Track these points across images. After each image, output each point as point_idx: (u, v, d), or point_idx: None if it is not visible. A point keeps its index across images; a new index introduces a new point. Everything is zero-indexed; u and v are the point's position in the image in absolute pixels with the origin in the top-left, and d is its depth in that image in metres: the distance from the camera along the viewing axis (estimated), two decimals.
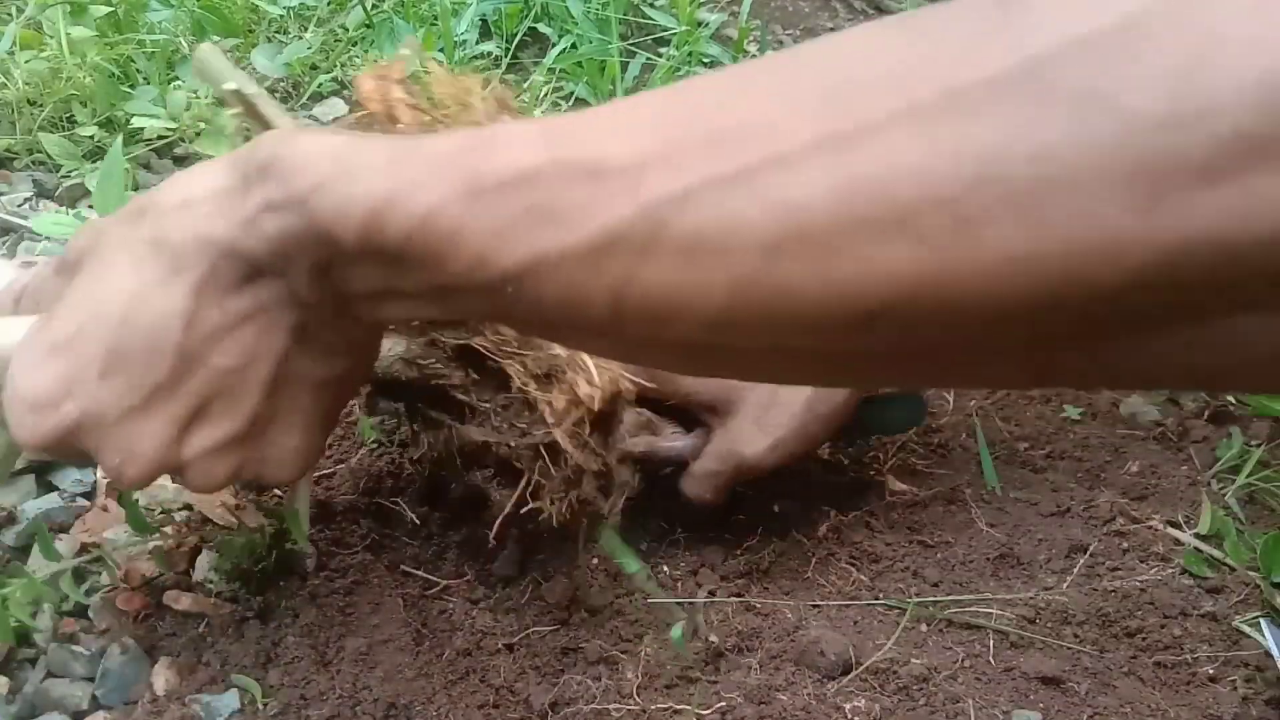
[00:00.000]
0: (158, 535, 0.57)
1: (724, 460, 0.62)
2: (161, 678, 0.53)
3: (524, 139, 0.31)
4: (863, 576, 0.62)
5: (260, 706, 0.52)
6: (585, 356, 0.53)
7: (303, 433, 0.44)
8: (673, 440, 0.64)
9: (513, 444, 0.54)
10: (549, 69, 1.09)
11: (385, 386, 0.58)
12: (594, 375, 0.52)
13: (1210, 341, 0.25)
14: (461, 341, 0.54)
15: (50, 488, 0.64)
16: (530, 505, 0.54)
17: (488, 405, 0.54)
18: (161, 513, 0.62)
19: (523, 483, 0.54)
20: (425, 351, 0.55)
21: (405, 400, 0.60)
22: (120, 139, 0.83)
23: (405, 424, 0.63)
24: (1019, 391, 0.77)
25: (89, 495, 0.64)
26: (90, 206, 0.93)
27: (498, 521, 0.57)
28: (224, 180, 0.39)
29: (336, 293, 0.38)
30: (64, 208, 0.93)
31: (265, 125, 0.58)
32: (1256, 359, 0.25)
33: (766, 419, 0.61)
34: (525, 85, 1.10)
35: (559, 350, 0.53)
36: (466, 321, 0.54)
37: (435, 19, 1.16)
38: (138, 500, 0.62)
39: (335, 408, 0.46)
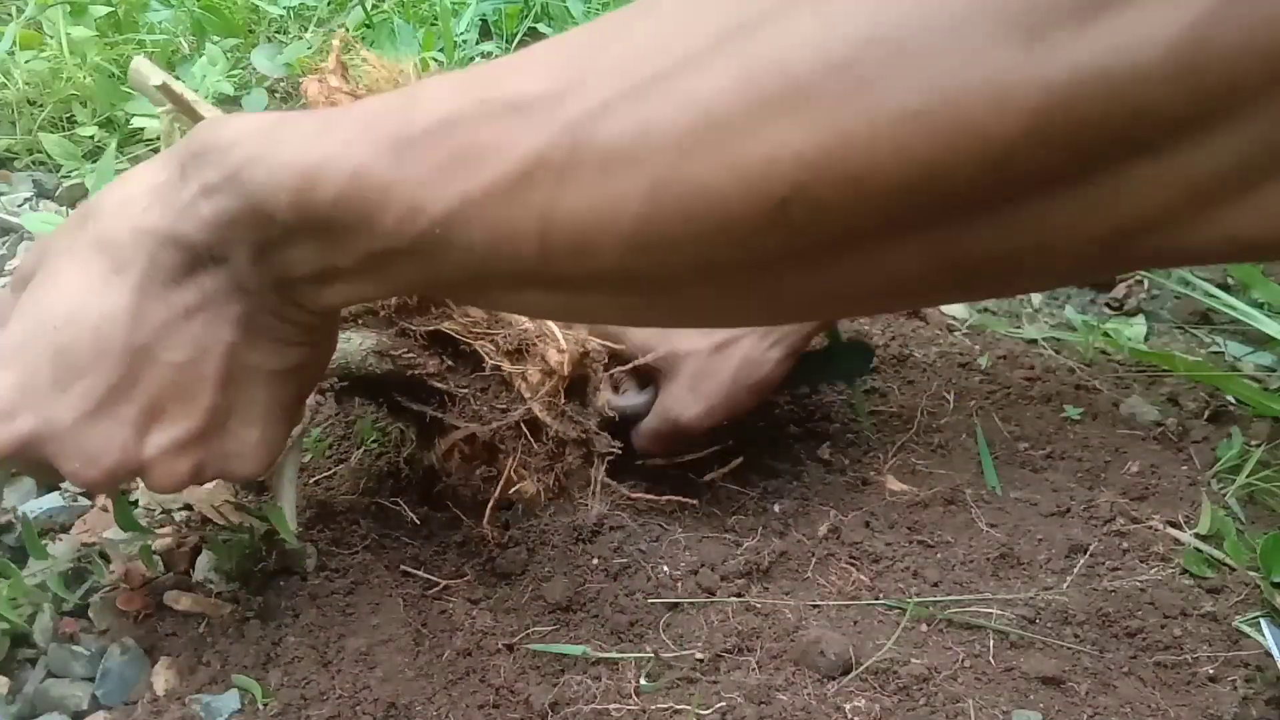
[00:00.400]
0: (148, 535, 0.57)
1: (665, 422, 0.67)
2: (161, 678, 0.53)
3: (447, 88, 0.32)
4: (863, 576, 0.62)
5: (260, 706, 0.52)
6: (551, 324, 0.53)
7: (263, 425, 0.44)
8: (626, 398, 0.69)
9: (495, 426, 0.54)
10: None
11: (361, 383, 0.58)
12: (561, 341, 0.53)
13: (1112, 197, 0.24)
14: (432, 328, 0.54)
15: (52, 487, 0.64)
16: (517, 485, 0.54)
17: (465, 390, 0.54)
18: (162, 512, 0.62)
19: (509, 464, 0.54)
20: (397, 342, 0.55)
21: (383, 395, 0.60)
22: (115, 141, 0.83)
23: (398, 418, 0.63)
24: (1019, 392, 0.77)
25: (90, 495, 0.64)
26: None
27: (488, 507, 0.57)
28: (162, 174, 0.39)
29: (278, 279, 0.38)
30: (64, 207, 0.93)
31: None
32: (1159, 210, 0.24)
33: (700, 388, 0.66)
34: None
35: (527, 324, 0.53)
36: (408, 304, 0.54)
37: (435, 19, 1.16)
38: (135, 501, 0.62)
39: (296, 399, 0.45)
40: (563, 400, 0.53)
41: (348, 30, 1.16)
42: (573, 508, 0.64)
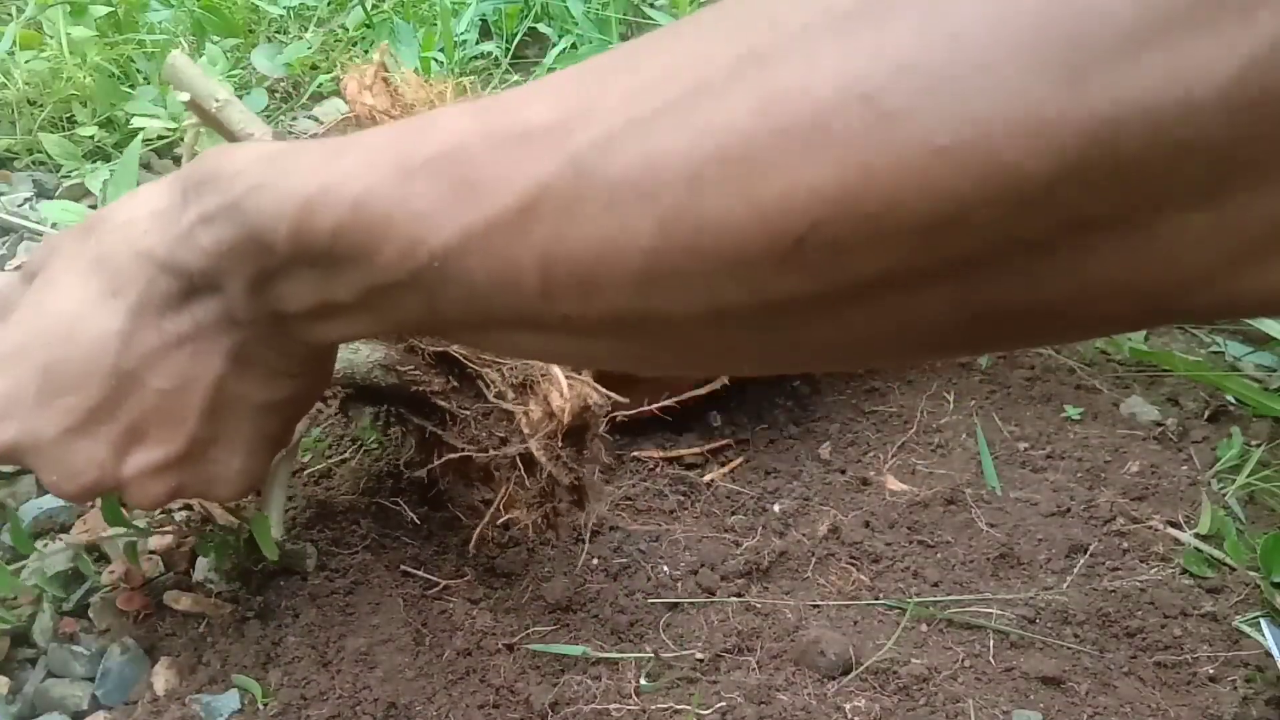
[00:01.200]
0: (138, 534, 0.57)
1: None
2: (161, 678, 0.53)
3: (456, 117, 0.30)
4: (863, 576, 0.62)
5: (260, 706, 0.52)
6: (556, 369, 0.53)
7: (246, 454, 0.44)
8: None
9: (491, 455, 0.54)
10: (549, 69, 1.09)
11: (364, 392, 0.59)
12: (564, 388, 0.52)
13: (1156, 248, 0.22)
14: (440, 349, 0.54)
15: None
16: (505, 516, 0.55)
17: (468, 413, 0.54)
18: (161, 513, 0.62)
19: (500, 492, 0.55)
20: (404, 358, 0.56)
21: (386, 404, 0.60)
22: (139, 139, 0.83)
23: (398, 426, 0.63)
24: (1019, 392, 0.77)
25: None
26: (92, 206, 0.93)
27: (476, 533, 0.57)
28: (165, 199, 0.39)
29: (273, 313, 0.37)
30: None
31: (229, 134, 0.58)
32: (1206, 268, 0.23)
33: None
34: None
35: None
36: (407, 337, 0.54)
37: (435, 19, 1.16)
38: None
39: (282, 430, 0.45)
40: (560, 444, 0.53)
41: (347, 31, 1.16)
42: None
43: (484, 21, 1.18)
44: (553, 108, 0.28)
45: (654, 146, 0.26)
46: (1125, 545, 0.64)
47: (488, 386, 0.53)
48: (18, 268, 0.84)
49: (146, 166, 0.96)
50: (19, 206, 0.91)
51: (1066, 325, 0.27)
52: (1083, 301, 0.24)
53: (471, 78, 1.08)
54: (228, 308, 0.39)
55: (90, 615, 0.57)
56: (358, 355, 0.56)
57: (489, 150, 0.29)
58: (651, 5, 1.16)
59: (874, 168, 0.23)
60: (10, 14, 1.09)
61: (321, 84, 1.08)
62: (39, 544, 0.59)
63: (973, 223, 0.23)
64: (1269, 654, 0.57)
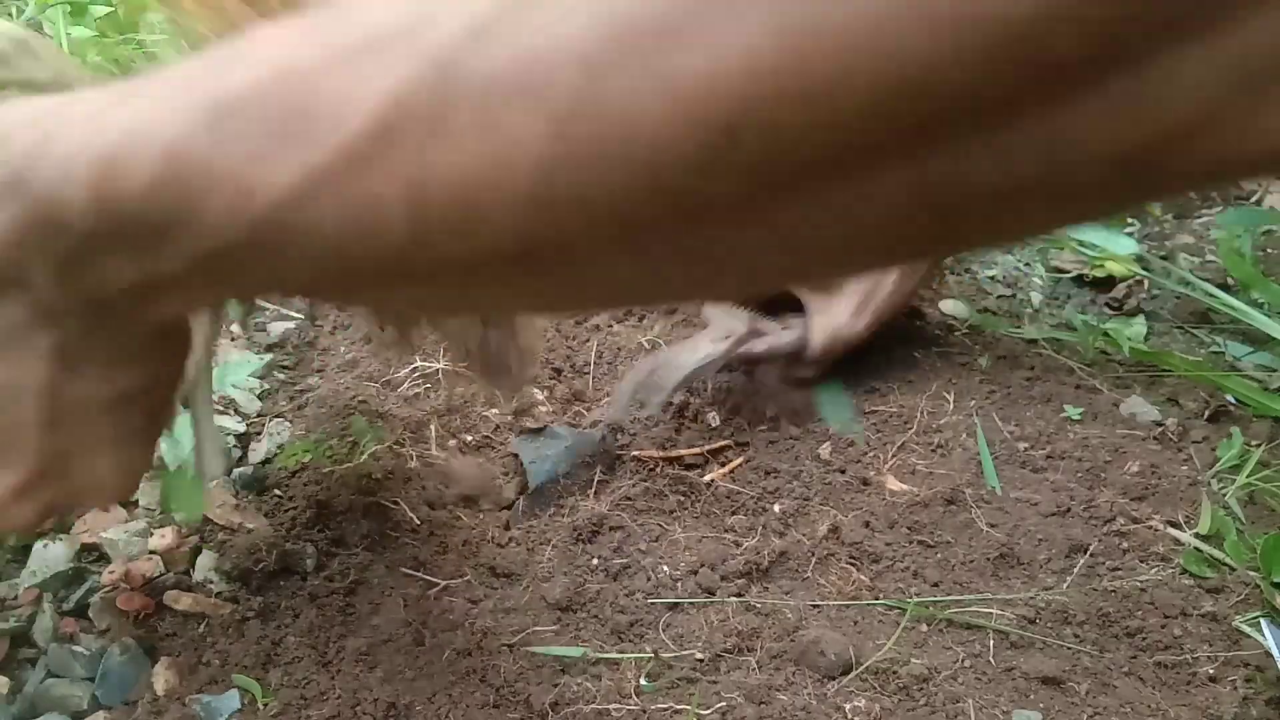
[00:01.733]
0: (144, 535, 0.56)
1: (830, 338, 0.73)
2: (161, 678, 0.53)
3: (284, 34, 0.25)
4: (863, 576, 0.62)
5: (260, 706, 0.52)
6: None
7: (113, 452, 0.38)
8: (782, 335, 0.74)
9: None
10: None
11: None
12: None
13: (1143, 96, 0.19)
14: None
15: None
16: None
17: None
18: (162, 513, 0.62)
19: None
20: None
21: None
22: None
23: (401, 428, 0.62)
24: (1019, 392, 0.77)
25: None
26: None
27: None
28: None
29: (90, 301, 0.31)
30: None
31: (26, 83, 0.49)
32: (1194, 116, 0.19)
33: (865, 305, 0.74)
34: None
35: None
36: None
37: None
38: (137, 501, 0.62)
39: (149, 419, 0.39)
40: None
41: None
42: (573, 507, 0.64)
43: None
44: (401, 6, 0.23)
45: (536, 31, 0.21)
46: (1125, 545, 0.64)
47: None
48: None
49: None
50: None
51: (1037, 207, 0.23)
52: (1055, 174, 0.21)
53: None
54: (37, 301, 0.32)
55: (90, 615, 0.57)
56: None
57: (325, 68, 0.23)
58: None
59: (819, 28, 0.19)
60: (10, 14, 1.09)
61: None
62: (39, 544, 0.59)
63: (937, 84, 0.19)
64: (1269, 654, 0.57)
